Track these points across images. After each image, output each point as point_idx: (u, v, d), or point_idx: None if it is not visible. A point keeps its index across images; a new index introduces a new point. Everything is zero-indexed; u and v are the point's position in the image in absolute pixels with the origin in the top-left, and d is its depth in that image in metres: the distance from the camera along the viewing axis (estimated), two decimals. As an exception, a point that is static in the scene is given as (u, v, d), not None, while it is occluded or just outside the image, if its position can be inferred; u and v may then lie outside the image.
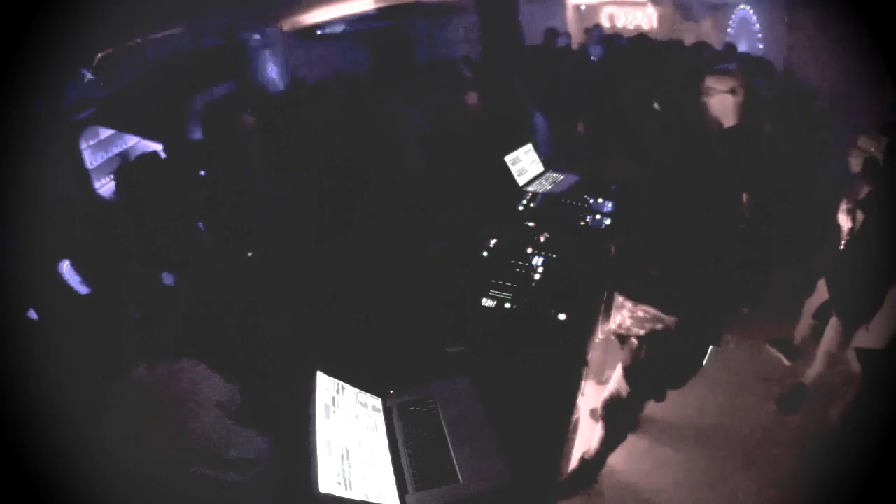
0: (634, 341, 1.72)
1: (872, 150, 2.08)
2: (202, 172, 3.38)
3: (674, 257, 1.40)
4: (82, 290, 2.34)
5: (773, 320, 2.74)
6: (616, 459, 2.19)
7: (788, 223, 2.40)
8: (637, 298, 1.60)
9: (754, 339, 2.72)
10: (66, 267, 2.46)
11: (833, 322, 2.22)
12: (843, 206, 2.20)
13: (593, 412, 2.40)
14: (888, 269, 1.93)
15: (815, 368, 2.36)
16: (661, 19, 7.03)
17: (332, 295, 2.10)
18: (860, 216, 2.10)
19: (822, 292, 2.43)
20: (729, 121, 1.84)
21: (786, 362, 2.63)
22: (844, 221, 2.19)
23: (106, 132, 4.15)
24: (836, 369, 2.27)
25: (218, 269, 2.20)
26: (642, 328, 1.66)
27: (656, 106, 1.38)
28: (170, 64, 3.98)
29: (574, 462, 2.07)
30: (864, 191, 2.10)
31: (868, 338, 2.11)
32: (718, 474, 2.13)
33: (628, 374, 1.81)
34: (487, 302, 1.81)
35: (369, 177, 2.65)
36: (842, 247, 2.20)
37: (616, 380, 1.92)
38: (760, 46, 5.47)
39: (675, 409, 2.30)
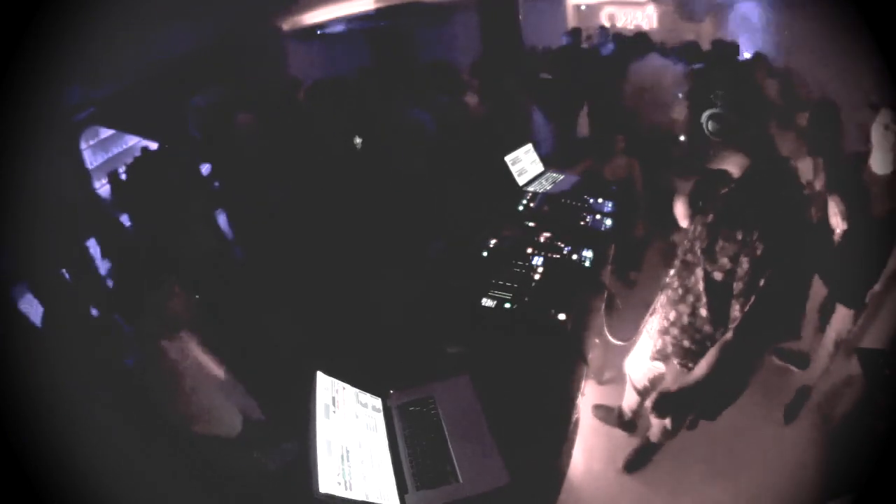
0: (677, 369, 1.68)
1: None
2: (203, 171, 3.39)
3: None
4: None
5: None
6: (613, 467, 2.19)
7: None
8: None
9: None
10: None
11: (835, 317, 2.21)
12: (835, 208, 2.19)
13: (595, 411, 2.40)
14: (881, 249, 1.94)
15: (819, 366, 2.34)
16: (661, 19, 7.03)
17: (332, 295, 2.10)
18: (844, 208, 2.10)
19: (816, 292, 2.41)
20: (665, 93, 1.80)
21: (794, 370, 2.58)
22: (837, 224, 2.18)
23: (106, 132, 4.15)
24: (840, 368, 2.26)
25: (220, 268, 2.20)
26: (687, 356, 1.62)
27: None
28: (170, 64, 3.98)
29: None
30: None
31: (870, 339, 2.10)
32: (720, 482, 2.12)
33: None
34: (487, 302, 1.80)
35: (369, 177, 2.65)
36: (834, 244, 2.20)
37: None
38: (760, 45, 5.47)
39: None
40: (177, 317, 1.40)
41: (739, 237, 1.34)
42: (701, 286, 1.51)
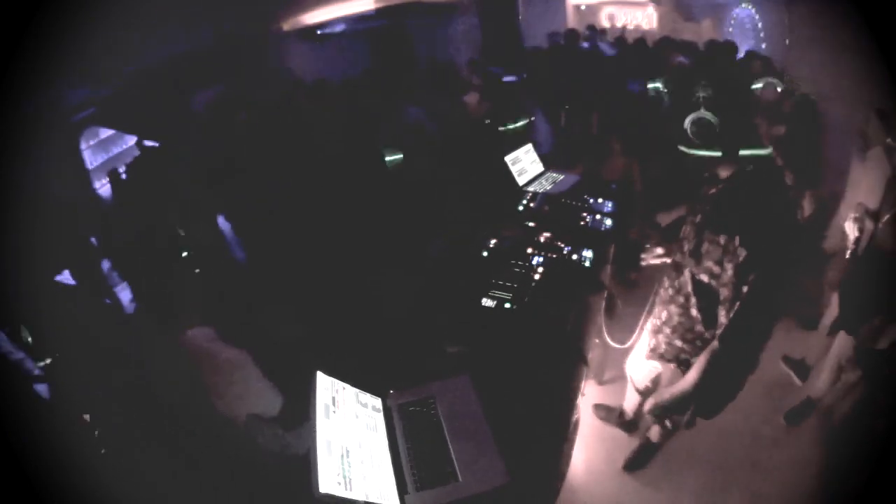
0: (673, 368, 1.69)
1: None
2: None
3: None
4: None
5: (790, 334, 2.72)
6: (613, 467, 2.19)
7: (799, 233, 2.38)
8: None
9: (769, 354, 2.63)
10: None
11: (840, 338, 2.19)
12: (851, 214, 2.18)
13: (595, 410, 2.40)
14: None
15: (822, 382, 2.32)
16: (661, 19, 7.03)
17: (332, 295, 2.10)
18: (868, 224, 2.08)
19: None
20: None
21: (797, 382, 2.56)
22: (851, 230, 2.17)
23: (106, 132, 4.15)
24: (842, 379, 2.24)
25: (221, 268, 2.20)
26: (680, 356, 1.62)
27: None
28: (169, 64, 3.98)
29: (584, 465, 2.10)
30: (875, 198, 2.08)
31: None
32: (720, 482, 2.11)
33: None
34: (487, 302, 1.81)
35: (370, 177, 2.65)
36: (848, 255, 2.18)
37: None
38: (763, 46, 5.47)
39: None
40: (194, 307, 1.40)
41: (722, 241, 1.35)
42: (689, 287, 1.51)
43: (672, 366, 1.69)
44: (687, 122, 1.33)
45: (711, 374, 1.41)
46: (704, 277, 1.44)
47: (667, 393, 1.53)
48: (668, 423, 1.86)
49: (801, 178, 2.49)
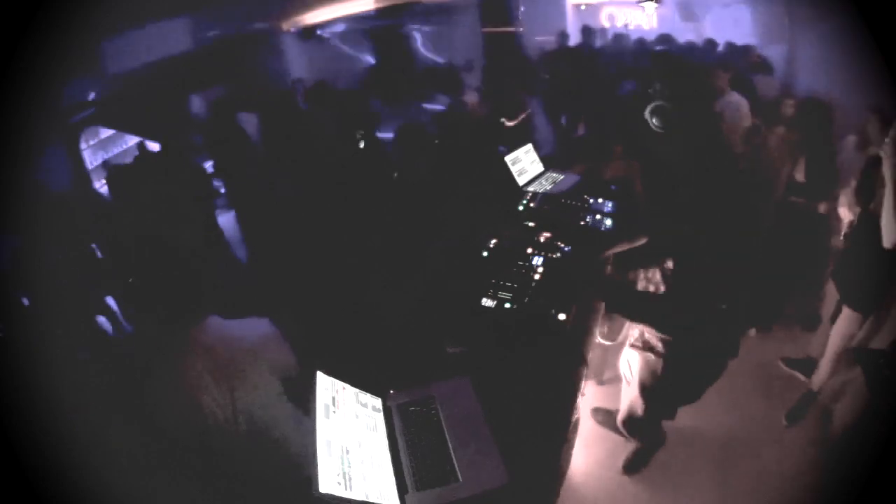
0: (651, 356, 1.70)
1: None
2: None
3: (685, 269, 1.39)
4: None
5: (791, 334, 2.73)
6: (613, 467, 2.19)
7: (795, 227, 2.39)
8: (636, 318, 1.60)
9: (770, 355, 2.63)
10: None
11: (840, 320, 2.19)
12: (844, 200, 2.20)
13: (594, 414, 2.40)
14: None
15: (823, 372, 2.32)
16: (661, 19, 7.02)
17: (332, 295, 2.10)
18: (858, 210, 2.09)
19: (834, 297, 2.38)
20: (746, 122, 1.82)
21: (802, 378, 2.54)
22: (845, 214, 2.19)
23: (106, 132, 4.16)
24: (841, 371, 2.25)
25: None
26: (661, 343, 1.65)
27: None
28: (170, 64, 3.98)
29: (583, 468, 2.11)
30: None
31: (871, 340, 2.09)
32: (720, 482, 2.12)
33: (644, 390, 1.80)
34: (487, 302, 1.80)
35: (369, 177, 2.65)
36: (842, 237, 2.20)
37: (630, 397, 1.91)
38: (765, 45, 5.47)
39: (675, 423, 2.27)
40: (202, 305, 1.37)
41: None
42: (658, 276, 1.55)
43: (651, 355, 1.71)
44: (647, 113, 1.36)
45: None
46: (670, 265, 1.47)
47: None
48: (640, 412, 1.89)
49: (820, 187, 2.50)
